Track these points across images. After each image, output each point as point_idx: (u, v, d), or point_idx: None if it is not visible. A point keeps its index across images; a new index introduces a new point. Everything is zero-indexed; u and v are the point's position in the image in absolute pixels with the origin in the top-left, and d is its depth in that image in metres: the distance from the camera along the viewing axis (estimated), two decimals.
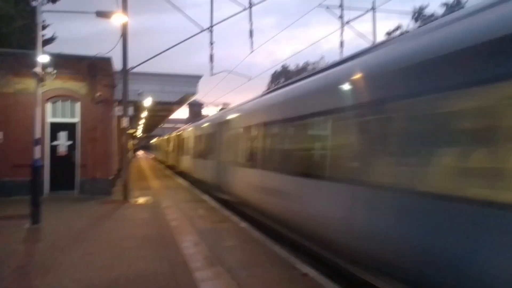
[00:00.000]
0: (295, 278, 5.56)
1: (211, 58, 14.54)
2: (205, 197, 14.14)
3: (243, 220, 9.74)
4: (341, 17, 15.01)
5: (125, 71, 13.21)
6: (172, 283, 5.33)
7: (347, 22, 15.06)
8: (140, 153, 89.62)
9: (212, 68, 14.91)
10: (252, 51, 14.58)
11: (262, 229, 8.64)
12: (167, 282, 5.35)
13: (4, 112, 13.30)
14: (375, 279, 4.77)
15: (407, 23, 43.78)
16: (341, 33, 15.37)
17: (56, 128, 13.87)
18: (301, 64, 53.65)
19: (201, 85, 18.15)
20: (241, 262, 6.26)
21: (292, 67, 54.15)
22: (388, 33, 37.25)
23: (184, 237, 7.90)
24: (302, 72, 51.82)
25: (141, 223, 9.43)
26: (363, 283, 5.11)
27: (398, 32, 35.88)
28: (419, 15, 33.78)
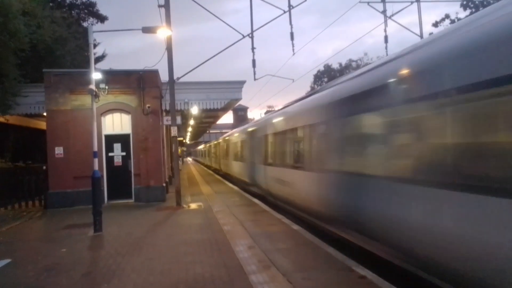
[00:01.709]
0: (352, 281, 5.46)
1: (254, 63, 14.67)
2: (256, 201, 14.26)
3: (296, 223, 9.70)
4: (384, 11, 14.60)
5: (171, 82, 13.65)
6: (229, 287, 5.42)
7: (390, 16, 14.62)
8: (189, 159, 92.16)
9: (255, 73, 15.03)
10: (293, 54, 14.55)
11: (315, 232, 8.56)
12: (224, 286, 5.45)
13: (64, 128, 14.22)
14: (434, 279, 4.71)
15: (455, 10, 41.78)
16: (385, 28, 14.94)
17: (110, 140, 14.61)
18: (344, 62, 52.70)
19: (245, 89, 18.45)
20: (296, 265, 6.24)
21: (335, 65, 53.30)
22: (435, 24, 35.65)
23: (238, 241, 8.01)
24: (346, 70, 50.87)
25: (195, 228, 9.67)
26: (421, 285, 4.96)
27: (447, 22, 34.26)
28: (468, 2, 32.00)
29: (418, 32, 14.74)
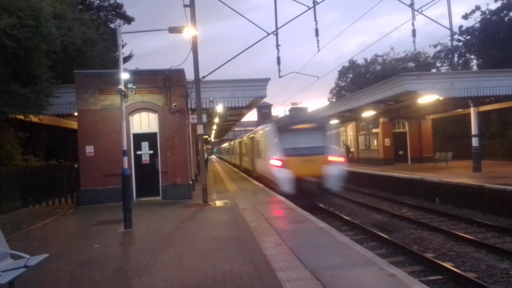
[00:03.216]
0: (382, 278, 5.40)
1: (278, 60, 14.65)
2: (282, 198, 14.25)
3: (322, 220, 9.66)
4: (411, 4, 14.25)
5: (197, 81, 13.78)
6: (257, 283, 5.46)
7: (419, 10, 14.26)
8: (213, 157, 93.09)
9: (279, 70, 15.03)
10: (318, 50, 14.43)
11: (342, 230, 8.50)
12: (252, 283, 5.49)
13: (94, 127, 14.59)
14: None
15: (486, 1, 40.35)
16: (413, 22, 14.58)
17: (138, 138, 14.88)
18: (369, 57, 51.64)
19: (269, 87, 18.29)
20: (323, 262, 6.22)
21: (360, 60, 52.29)
22: (465, 16, 34.52)
23: (265, 237, 8.04)
24: (371, 66, 49.81)
25: (222, 225, 9.76)
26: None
27: (477, 14, 33.10)
28: None
29: (447, 24, 14.32)
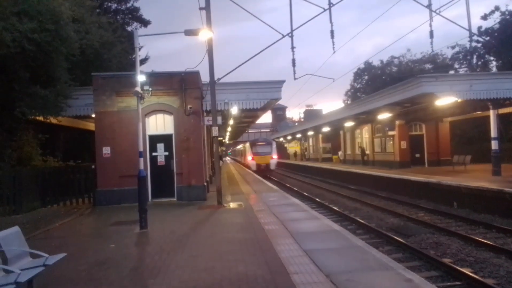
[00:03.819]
0: (398, 283, 5.33)
1: (293, 62, 14.64)
2: (297, 201, 14.19)
3: (337, 223, 9.59)
4: (429, 5, 14.06)
5: (212, 82, 13.84)
6: (272, 286, 5.44)
7: (436, 11, 14.06)
8: (228, 159, 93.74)
9: (294, 72, 15.01)
10: (334, 52, 14.35)
11: (357, 233, 8.43)
12: (267, 285, 5.48)
13: (110, 129, 14.74)
14: None
15: (505, 1, 39.52)
16: (430, 22, 14.39)
17: (154, 140, 14.98)
18: (385, 59, 51.00)
19: (284, 89, 18.15)
20: (339, 266, 6.17)
21: (375, 62, 51.59)
22: (483, 17, 33.91)
23: (280, 240, 8.03)
24: (387, 67, 49.21)
25: (236, 227, 9.75)
26: None
27: (497, 14, 32.46)
28: None
29: (466, 25, 14.09)
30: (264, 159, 36.38)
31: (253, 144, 38.19)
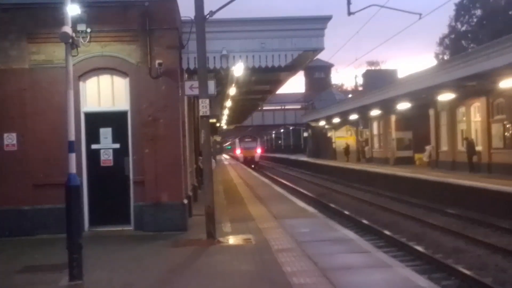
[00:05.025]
0: None
1: None
2: (350, 233, 9.20)
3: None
4: None
5: (200, 19, 9.00)
6: None
7: None
8: (224, 156, 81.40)
9: (349, 2, 8.47)
10: None
11: None
12: None
13: (17, 101, 9.73)
14: None
15: None
16: None
17: (94, 122, 9.91)
18: None
19: (329, 32, 10.63)
20: None
21: None
22: None
23: None
24: None
25: (241, 282, 6.47)
26: None
27: None
28: None
29: None
30: (250, 152, 51.95)
31: (241, 140, 55.03)
